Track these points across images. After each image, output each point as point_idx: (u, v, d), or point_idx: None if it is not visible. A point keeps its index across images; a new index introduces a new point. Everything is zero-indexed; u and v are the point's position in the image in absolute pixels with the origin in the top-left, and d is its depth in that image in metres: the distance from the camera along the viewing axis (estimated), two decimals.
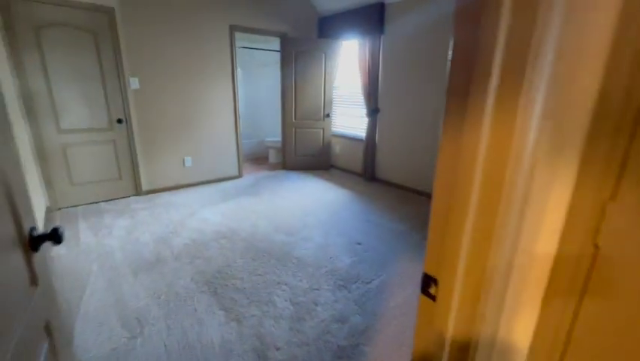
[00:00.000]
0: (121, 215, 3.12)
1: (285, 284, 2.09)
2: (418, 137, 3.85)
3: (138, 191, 3.63)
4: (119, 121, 3.36)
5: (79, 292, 1.98)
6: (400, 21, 3.78)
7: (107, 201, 3.46)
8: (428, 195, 3.82)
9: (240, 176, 4.46)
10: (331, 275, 2.21)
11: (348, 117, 4.84)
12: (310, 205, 3.49)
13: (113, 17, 3.11)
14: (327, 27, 4.60)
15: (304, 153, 4.89)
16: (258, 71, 6.12)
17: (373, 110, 4.24)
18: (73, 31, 2.96)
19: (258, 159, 5.79)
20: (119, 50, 3.20)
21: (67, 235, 2.72)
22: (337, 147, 5.01)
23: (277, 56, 5.65)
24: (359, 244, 2.66)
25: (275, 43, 5.74)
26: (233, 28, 3.93)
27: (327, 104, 4.71)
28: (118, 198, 3.53)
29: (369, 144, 4.36)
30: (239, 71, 5.66)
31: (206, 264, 2.31)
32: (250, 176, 4.57)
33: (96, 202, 3.41)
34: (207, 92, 3.92)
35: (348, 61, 4.65)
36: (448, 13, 3.30)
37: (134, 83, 3.38)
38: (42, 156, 3.00)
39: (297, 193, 3.88)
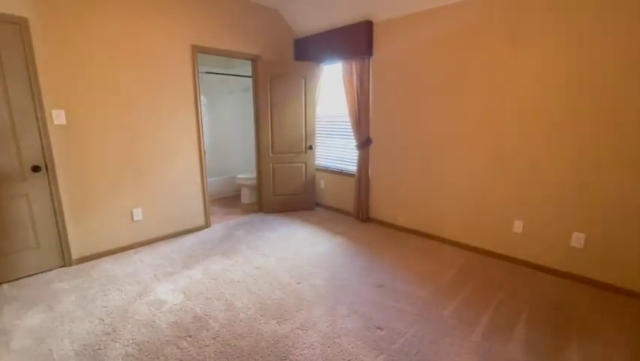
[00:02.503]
0: (32, 305, 2.16)
1: None
2: (420, 170, 3.30)
3: (66, 261, 2.67)
4: (36, 169, 2.45)
5: None
6: (392, 41, 3.31)
7: (14, 281, 2.46)
8: (440, 240, 3.23)
9: (207, 226, 3.61)
10: None
11: (335, 149, 4.24)
12: (301, 265, 2.74)
13: (25, 31, 2.29)
14: (305, 49, 4.06)
15: (284, 192, 4.16)
16: (225, 99, 5.42)
17: (365, 141, 3.67)
18: None
19: (227, 199, 4.96)
20: (34, 74, 2.36)
21: None
22: (322, 183, 4.35)
23: (246, 82, 5.03)
24: (380, 328, 1.94)
25: (243, 69, 5.12)
26: (195, 49, 3.24)
27: (310, 135, 4.09)
28: (33, 275, 2.54)
29: (362, 180, 3.75)
30: (202, 99, 4.93)
31: None
32: (220, 225, 3.73)
33: None
34: (163, 126, 3.12)
35: (332, 86, 4.10)
36: (446, 31, 2.88)
37: (58, 118, 2.52)
38: None
39: (281, 247, 3.11)
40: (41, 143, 2.46)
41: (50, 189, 2.54)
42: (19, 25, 2.27)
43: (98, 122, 2.72)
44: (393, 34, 3.29)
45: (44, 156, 2.48)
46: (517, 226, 2.72)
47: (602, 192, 2.30)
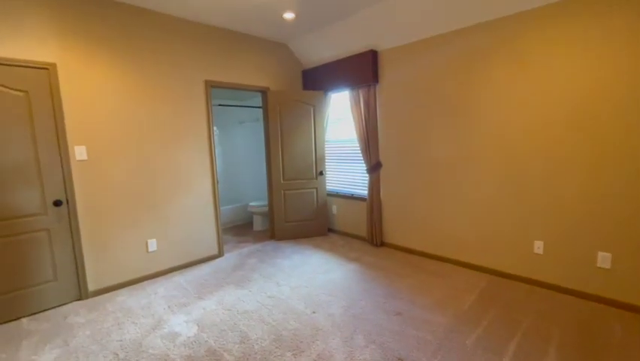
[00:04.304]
0: (48, 340, 2.16)
1: None
2: (432, 193, 3.27)
3: (82, 294, 2.69)
4: (57, 203, 2.54)
5: None
6: (397, 68, 3.41)
7: (32, 315, 2.48)
8: (457, 263, 3.13)
9: (220, 255, 3.61)
10: None
11: (345, 174, 4.26)
12: (315, 293, 2.69)
13: (53, 75, 2.47)
14: (313, 79, 4.21)
15: (297, 219, 4.16)
16: (235, 129, 5.59)
17: (375, 165, 3.69)
18: None
19: (240, 227, 4.97)
20: (60, 113, 2.51)
21: None
22: (334, 208, 4.34)
23: (255, 112, 5.20)
24: (400, 359, 1.86)
25: (253, 100, 5.32)
26: (209, 84, 3.40)
27: (320, 160, 4.14)
28: (51, 309, 2.56)
29: (374, 204, 3.73)
30: (215, 130, 5.11)
31: None
32: (233, 254, 3.72)
33: (16, 319, 2.42)
34: (178, 158, 3.23)
35: (340, 113, 4.20)
36: (449, 56, 2.96)
37: (80, 154, 2.64)
38: None
39: (295, 275, 3.07)
40: (63, 178, 2.57)
41: (70, 222, 2.61)
42: (49, 70, 2.45)
43: (116, 157, 2.83)
44: (398, 62, 3.40)
45: (66, 191, 2.58)
46: (538, 247, 2.63)
47: (626, 208, 2.22)
